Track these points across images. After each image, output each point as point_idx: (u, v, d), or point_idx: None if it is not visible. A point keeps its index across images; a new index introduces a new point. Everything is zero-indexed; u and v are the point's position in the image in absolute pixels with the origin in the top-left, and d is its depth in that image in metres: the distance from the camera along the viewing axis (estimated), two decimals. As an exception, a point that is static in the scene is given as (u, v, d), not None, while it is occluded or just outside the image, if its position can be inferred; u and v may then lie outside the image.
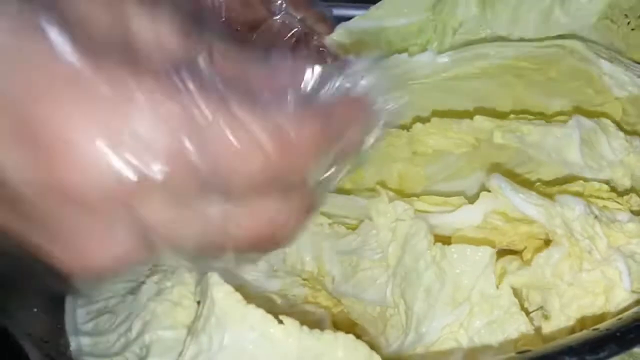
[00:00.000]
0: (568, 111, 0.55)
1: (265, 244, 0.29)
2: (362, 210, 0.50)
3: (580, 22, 0.60)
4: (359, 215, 0.52)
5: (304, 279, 0.54)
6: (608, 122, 0.49)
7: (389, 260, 0.45)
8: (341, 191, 0.57)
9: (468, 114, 0.56)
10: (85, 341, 0.47)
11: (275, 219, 0.28)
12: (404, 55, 0.60)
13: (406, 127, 0.59)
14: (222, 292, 0.36)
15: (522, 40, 0.61)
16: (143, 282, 0.46)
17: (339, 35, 0.64)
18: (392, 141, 0.59)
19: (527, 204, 0.44)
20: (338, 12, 0.75)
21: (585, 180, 0.46)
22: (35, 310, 0.52)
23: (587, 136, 0.48)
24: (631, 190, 0.47)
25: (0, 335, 0.48)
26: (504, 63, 0.58)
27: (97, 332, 0.47)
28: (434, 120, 0.57)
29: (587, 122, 0.49)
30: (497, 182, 0.45)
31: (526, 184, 0.48)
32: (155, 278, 0.44)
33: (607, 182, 0.46)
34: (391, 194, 0.53)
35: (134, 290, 0.47)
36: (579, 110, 0.55)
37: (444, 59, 0.60)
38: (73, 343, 0.47)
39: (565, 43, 0.56)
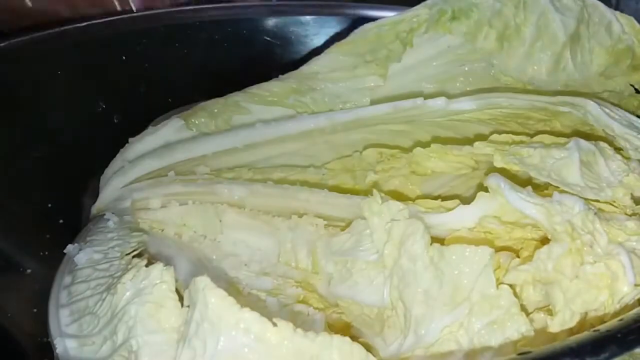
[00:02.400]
0: (567, 134, 0.56)
1: None
2: (358, 209, 0.50)
3: (583, 74, 0.62)
4: (354, 215, 0.52)
5: (297, 282, 0.54)
6: (605, 145, 0.49)
7: (385, 262, 0.45)
8: (338, 189, 0.57)
9: (468, 142, 0.56)
10: (70, 344, 0.46)
11: None
12: (419, 99, 0.61)
13: (407, 152, 0.59)
14: (215, 297, 0.36)
15: (535, 92, 0.61)
16: (118, 281, 0.45)
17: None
18: (392, 163, 0.59)
19: (525, 202, 0.44)
20: (364, 12, 0.76)
21: (587, 200, 0.45)
22: (35, 310, 0.51)
23: (586, 158, 0.48)
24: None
25: (0, 335, 0.47)
26: (512, 112, 0.59)
27: (82, 334, 0.46)
28: (435, 145, 0.58)
29: (586, 145, 0.49)
30: (495, 181, 0.45)
31: (523, 184, 0.48)
32: (129, 276, 0.44)
33: (610, 203, 0.46)
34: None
35: (110, 288, 0.46)
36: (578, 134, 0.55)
37: (456, 105, 0.60)
38: (59, 346, 0.47)
39: (577, 101, 0.56)
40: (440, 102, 0.60)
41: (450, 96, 0.61)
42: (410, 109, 0.61)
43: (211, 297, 0.36)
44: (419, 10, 0.65)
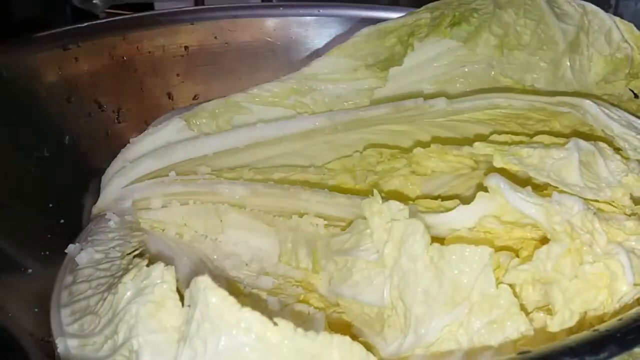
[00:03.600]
0: (566, 134, 0.56)
1: None
2: (358, 209, 0.50)
3: (581, 83, 0.63)
4: (354, 215, 0.52)
5: (297, 281, 0.54)
6: (605, 145, 0.50)
7: (385, 261, 0.45)
8: (338, 189, 0.58)
9: (468, 142, 0.57)
10: (72, 343, 0.46)
11: None
12: (419, 99, 0.61)
13: (407, 152, 0.60)
14: (216, 297, 0.36)
15: (534, 92, 0.62)
16: (119, 281, 0.45)
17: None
18: (393, 164, 0.59)
19: (525, 202, 0.44)
20: (361, 13, 0.77)
21: (587, 200, 0.46)
22: (36, 310, 0.51)
23: (586, 158, 0.48)
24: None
25: (1, 335, 0.47)
26: (511, 112, 0.60)
27: (83, 334, 0.46)
28: (434, 145, 0.58)
29: (585, 145, 0.49)
30: (495, 181, 0.45)
31: (522, 184, 0.48)
32: (130, 275, 0.44)
33: (609, 203, 0.47)
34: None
35: (111, 287, 0.46)
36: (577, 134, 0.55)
37: (456, 105, 0.61)
38: (60, 345, 0.47)
39: (576, 102, 0.56)
40: (440, 102, 0.60)
41: (450, 97, 0.61)
42: (410, 109, 0.61)
43: (212, 296, 0.35)
44: (421, 14, 0.65)
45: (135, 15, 0.80)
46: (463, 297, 0.41)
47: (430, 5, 0.66)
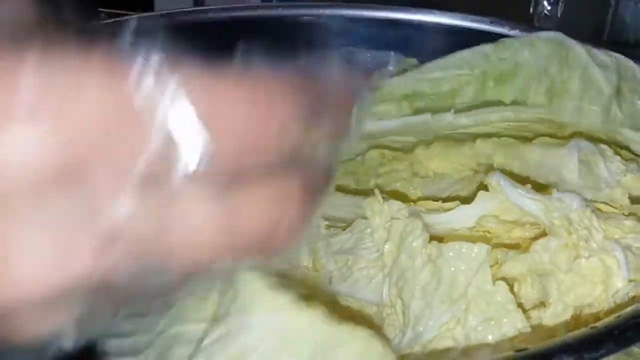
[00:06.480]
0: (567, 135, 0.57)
1: (270, 239, 0.23)
2: (359, 210, 0.50)
3: (634, 121, 0.62)
4: (355, 215, 0.52)
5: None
6: (605, 147, 0.50)
7: (384, 260, 0.45)
8: (341, 190, 0.58)
9: (470, 140, 0.57)
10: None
11: (279, 201, 0.23)
12: (427, 115, 0.61)
13: (408, 152, 0.60)
14: (250, 276, 0.36)
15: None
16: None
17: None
18: (395, 165, 0.59)
19: (525, 198, 0.44)
20: (361, 13, 0.76)
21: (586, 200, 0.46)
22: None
23: (586, 157, 0.48)
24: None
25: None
26: (519, 125, 0.60)
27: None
28: (436, 145, 0.58)
29: (585, 145, 0.49)
30: (496, 179, 0.46)
31: (522, 183, 0.49)
32: None
33: (607, 203, 0.47)
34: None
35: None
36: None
37: (463, 120, 0.60)
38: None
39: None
40: (447, 116, 0.60)
41: (458, 109, 0.61)
42: (419, 124, 0.61)
43: (248, 275, 0.36)
44: (462, 69, 0.64)
45: (135, 15, 0.80)
46: (460, 294, 0.41)
47: (466, 59, 0.64)
